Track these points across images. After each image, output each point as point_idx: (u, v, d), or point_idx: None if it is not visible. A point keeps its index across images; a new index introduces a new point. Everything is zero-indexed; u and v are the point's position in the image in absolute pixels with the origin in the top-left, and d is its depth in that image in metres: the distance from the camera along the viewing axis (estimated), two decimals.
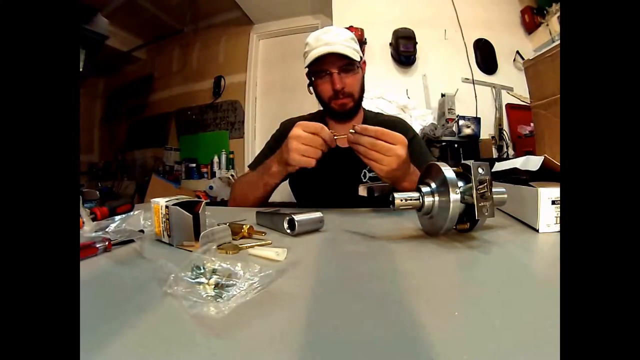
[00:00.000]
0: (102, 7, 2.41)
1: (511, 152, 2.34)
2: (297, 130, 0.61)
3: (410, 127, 0.97)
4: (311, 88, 0.89)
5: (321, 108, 0.93)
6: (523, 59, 2.37)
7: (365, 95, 0.91)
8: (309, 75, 0.87)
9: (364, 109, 0.97)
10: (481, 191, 0.37)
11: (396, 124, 0.90)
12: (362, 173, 0.86)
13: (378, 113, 1.05)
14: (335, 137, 0.60)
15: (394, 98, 2.12)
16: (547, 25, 2.37)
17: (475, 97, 2.39)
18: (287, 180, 0.89)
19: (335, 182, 0.85)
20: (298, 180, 0.93)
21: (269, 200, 0.79)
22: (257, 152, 0.98)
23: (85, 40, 1.41)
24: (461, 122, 2.18)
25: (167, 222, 0.41)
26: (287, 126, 0.96)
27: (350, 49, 0.80)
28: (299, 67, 0.87)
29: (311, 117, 0.97)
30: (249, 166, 0.94)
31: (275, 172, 0.70)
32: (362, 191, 0.83)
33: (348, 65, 0.81)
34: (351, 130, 0.58)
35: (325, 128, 0.60)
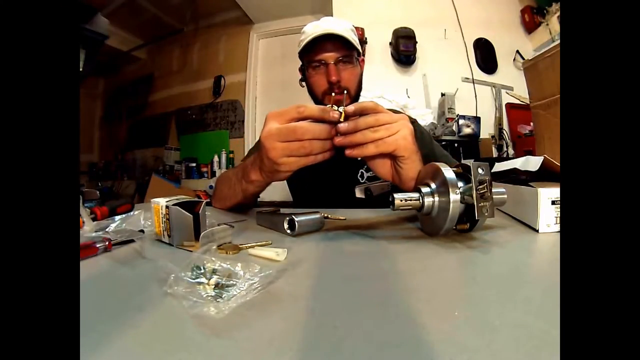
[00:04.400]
0: (102, 7, 2.41)
1: (511, 151, 2.35)
2: (270, 126, 0.45)
3: (408, 116, 0.94)
4: (304, 83, 0.83)
5: None
6: (523, 58, 2.38)
7: (364, 94, 0.89)
8: (302, 69, 0.82)
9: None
10: (481, 191, 0.37)
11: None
12: (359, 173, 0.82)
13: None
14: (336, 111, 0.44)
15: (394, 97, 2.12)
16: (547, 25, 2.37)
17: (475, 96, 2.40)
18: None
19: (331, 183, 0.81)
20: (294, 179, 0.88)
21: (269, 200, 0.78)
22: None
23: (85, 40, 1.41)
24: (461, 121, 2.18)
25: (167, 222, 0.41)
26: None
27: (350, 37, 0.75)
28: (299, 67, 0.85)
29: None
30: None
31: (255, 180, 0.54)
32: (359, 193, 0.79)
33: (346, 56, 0.75)
34: (341, 124, 0.43)
35: (307, 106, 0.44)
